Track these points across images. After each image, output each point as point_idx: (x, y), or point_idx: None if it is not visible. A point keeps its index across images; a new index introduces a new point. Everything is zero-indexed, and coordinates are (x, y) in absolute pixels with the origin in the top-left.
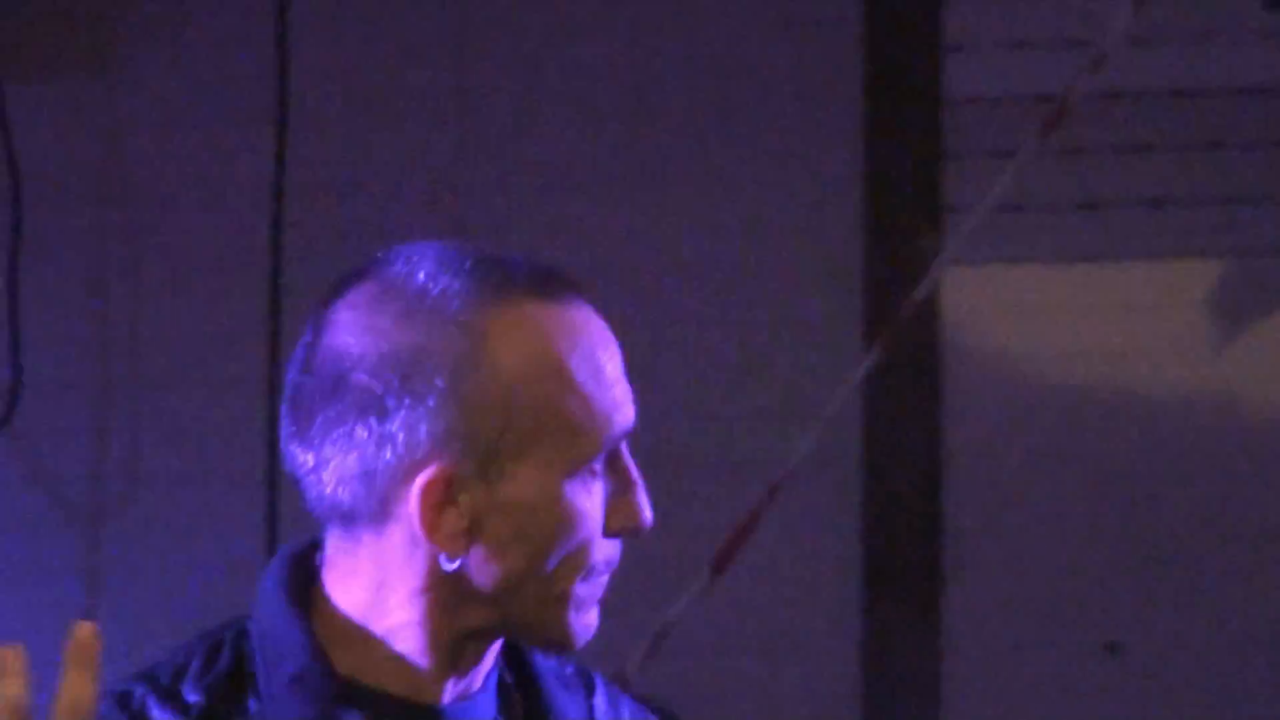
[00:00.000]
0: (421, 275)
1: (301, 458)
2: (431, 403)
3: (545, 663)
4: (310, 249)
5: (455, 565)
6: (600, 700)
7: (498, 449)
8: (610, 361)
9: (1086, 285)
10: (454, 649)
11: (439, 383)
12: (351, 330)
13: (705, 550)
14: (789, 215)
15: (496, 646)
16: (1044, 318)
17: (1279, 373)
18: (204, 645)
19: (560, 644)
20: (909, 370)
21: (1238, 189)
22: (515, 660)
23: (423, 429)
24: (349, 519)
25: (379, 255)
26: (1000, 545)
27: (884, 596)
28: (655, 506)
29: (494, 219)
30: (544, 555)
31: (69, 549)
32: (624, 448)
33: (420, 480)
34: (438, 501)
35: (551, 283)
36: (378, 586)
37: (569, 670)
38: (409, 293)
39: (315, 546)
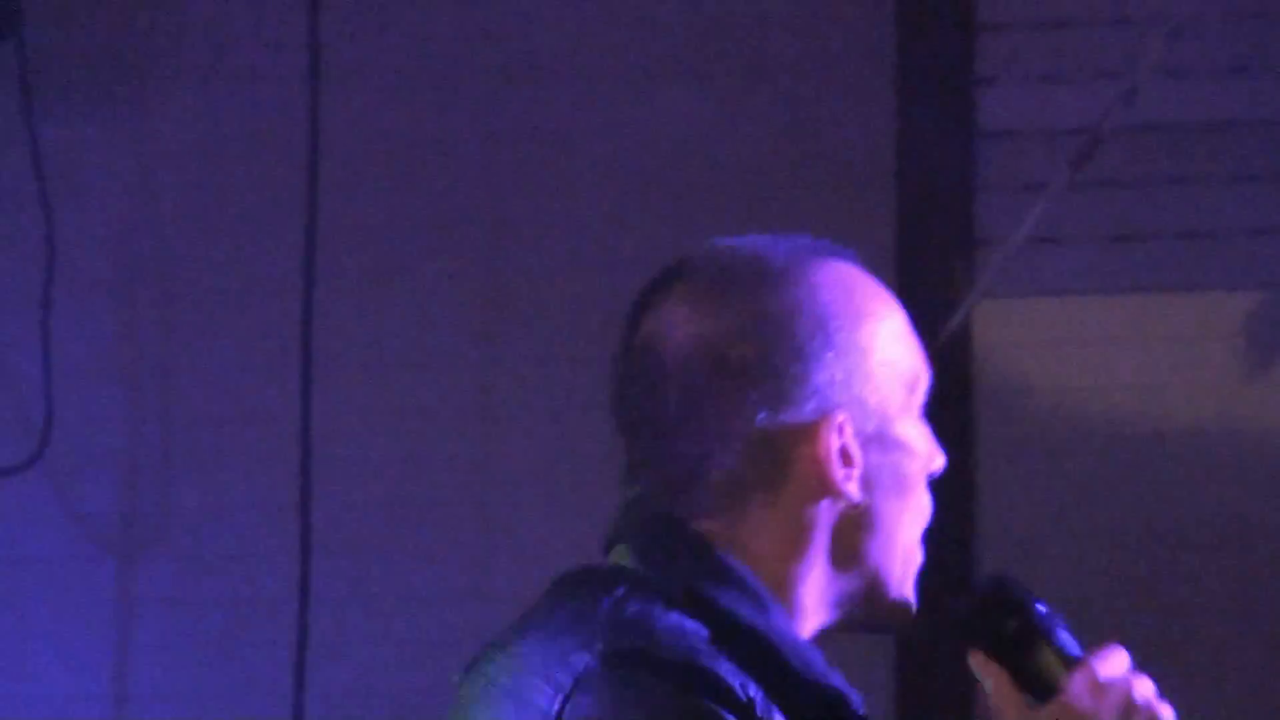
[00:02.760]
0: (746, 255)
1: (664, 452)
2: (810, 359)
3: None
4: (342, 283)
5: (859, 510)
6: None
7: (870, 394)
8: (905, 316)
9: (1120, 318)
10: (817, 621)
11: (812, 339)
12: (701, 314)
13: None
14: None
15: None
16: (1077, 351)
17: None
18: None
19: (905, 608)
20: (940, 404)
21: (1271, 221)
22: None
23: (811, 385)
24: (732, 494)
25: (677, 259)
26: (1031, 578)
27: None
28: None
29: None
30: (912, 496)
31: (100, 584)
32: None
33: (825, 436)
34: (842, 452)
35: (835, 248)
36: (765, 556)
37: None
38: (745, 269)
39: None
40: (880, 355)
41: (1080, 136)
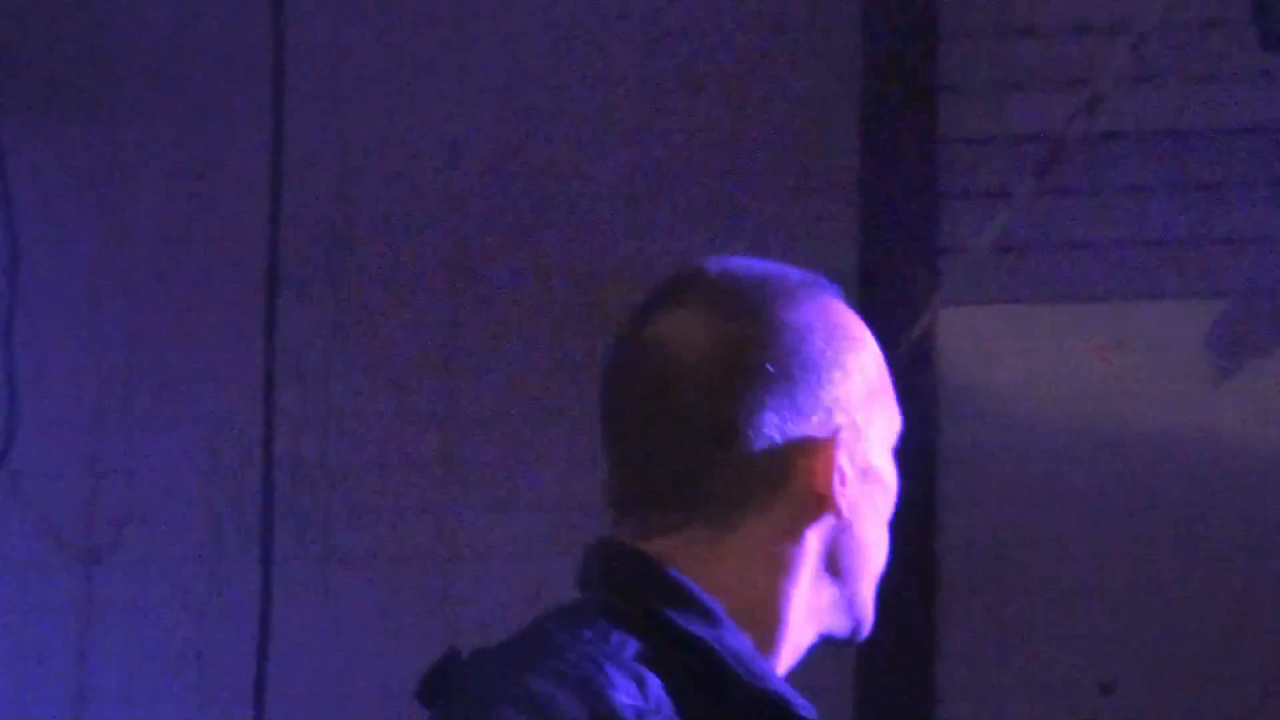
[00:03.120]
0: (760, 271)
1: (658, 462)
2: (822, 374)
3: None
4: (306, 291)
5: (846, 529)
6: None
7: (865, 416)
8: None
9: (1082, 325)
10: (798, 635)
11: (823, 356)
12: (718, 321)
13: None
14: (786, 258)
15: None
16: (1040, 357)
17: (1271, 410)
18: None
19: (863, 627)
20: (905, 408)
21: (1234, 230)
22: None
23: (819, 401)
24: (725, 506)
25: (687, 269)
26: (994, 585)
27: (880, 628)
28: None
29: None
30: (884, 520)
31: (62, 585)
32: None
33: (828, 451)
34: (825, 468)
35: (829, 284)
36: (748, 568)
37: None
38: (762, 282)
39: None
40: (872, 385)
41: (1043, 145)
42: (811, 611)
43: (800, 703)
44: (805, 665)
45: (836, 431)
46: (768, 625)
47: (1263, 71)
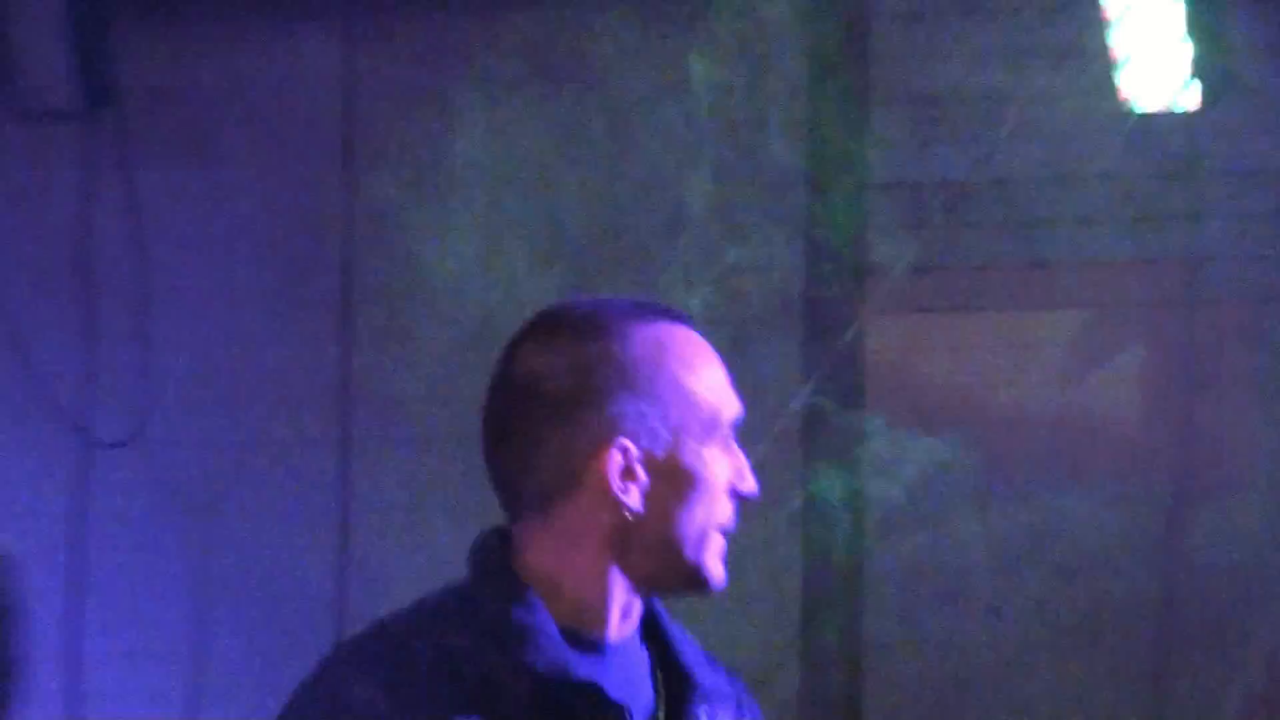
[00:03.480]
0: (580, 311)
1: (504, 463)
2: (608, 396)
3: (684, 640)
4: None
5: (638, 516)
6: (739, 690)
7: (662, 427)
8: (715, 361)
9: (981, 330)
10: (623, 596)
11: (613, 380)
12: (536, 355)
13: None
14: (749, 279)
15: (639, 607)
16: (948, 356)
17: (1129, 400)
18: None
19: (705, 584)
20: (838, 402)
21: (1099, 254)
22: (655, 634)
23: (604, 416)
24: (546, 498)
25: (540, 312)
26: (913, 553)
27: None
28: None
29: None
30: (700, 507)
31: (182, 535)
32: (733, 434)
33: (609, 455)
34: (624, 469)
35: (668, 311)
36: (568, 548)
37: (709, 656)
38: (579, 321)
39: (496, 535)
40: (677, 398)
41: (951, 188)
42: (624, 581)
43: (582, 675)
44: (745, 645)
45: (617, 439)
46: (583, 594)
47: (1124, 127)
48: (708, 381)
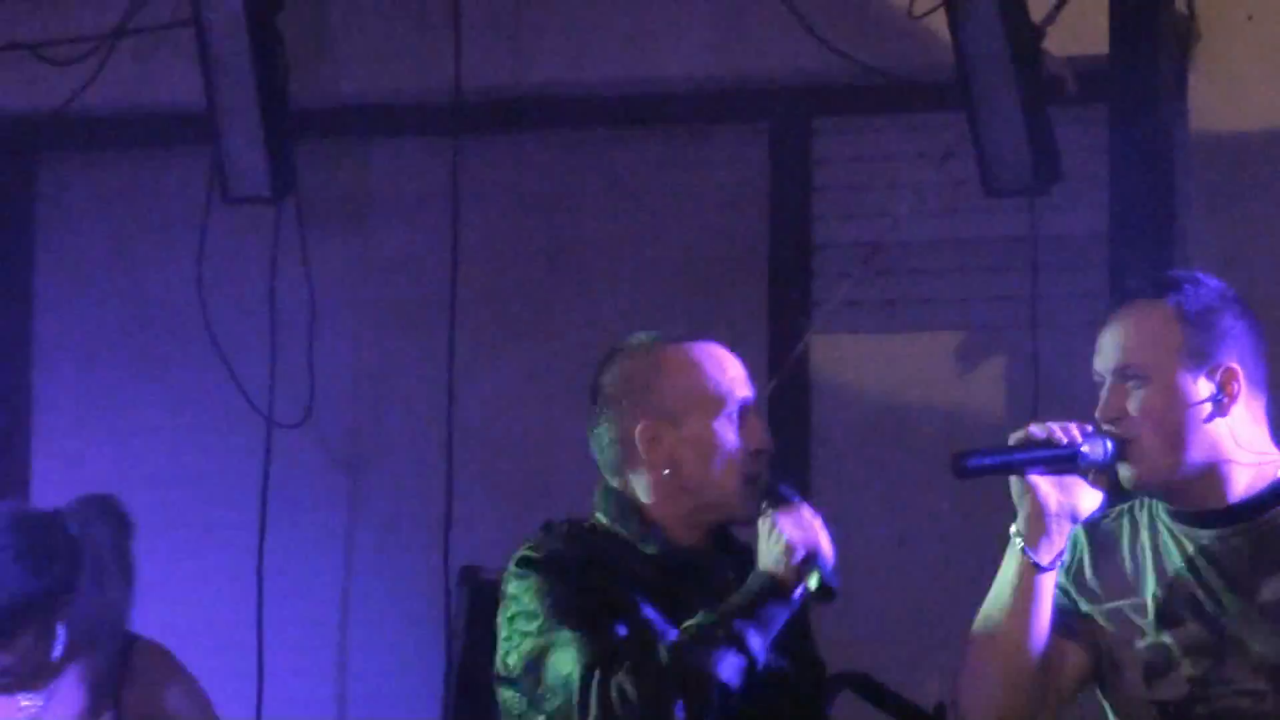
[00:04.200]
0: (633, 339)
1: (610, 432)
2: (644, 392)
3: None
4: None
5: (667, 475)
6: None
7: (676, 411)
8: (728, 365)
9: (894, 348)
10: (687, 521)
11: (644, 383)
12: (603, 370)
13: None
14: (725, 313)
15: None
16: (872, 368)
17: (997, 398)
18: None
19: (732, 511)
20: (785, 407)
21: (978, 293)
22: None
23: (640, 407)
24: (618, 462)
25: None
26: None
27: None
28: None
29: None
30: (711, 462)
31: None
32: (751, 411)
33: (639, 431)
34: (650, 436)
35: (690, 335)
36: (638, 493)
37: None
38: (629, 347)
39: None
40: (682, 395)
41: (870, 247)
42: (676, 508)
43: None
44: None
45: (641, 422)
46: (655, 516)
47: (987, 207)
48: (706, 380)
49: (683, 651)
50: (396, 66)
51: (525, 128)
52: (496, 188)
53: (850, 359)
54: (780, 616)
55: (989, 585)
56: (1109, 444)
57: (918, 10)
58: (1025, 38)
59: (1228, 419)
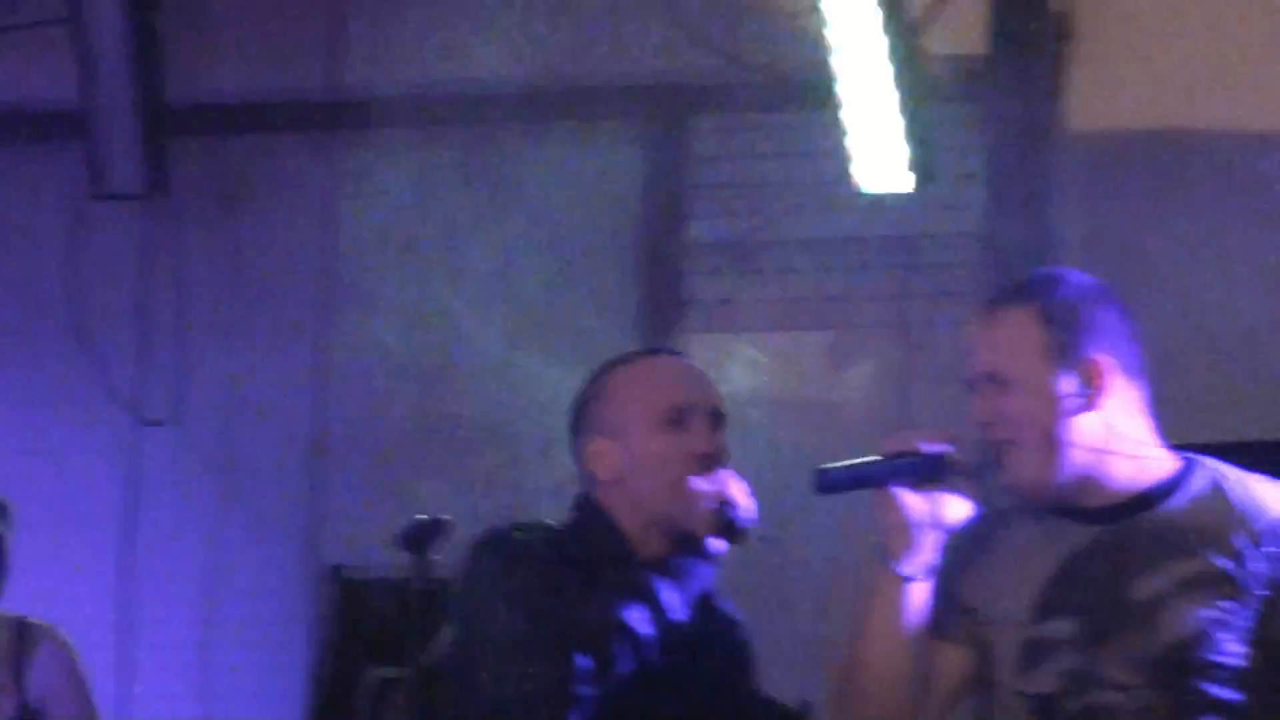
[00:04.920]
0: (601, 364)
1: (575, 453)
2: (593, 413)
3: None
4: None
5: (619, 490)
6: (744, 633)
7: (618, 426)
8: (672, 375)
9: (768, 347)
10: (648, 534)
11: (593, 405)
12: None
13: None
14: (598, 311)
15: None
16: (745, 367)
17: (870, 396)
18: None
19: (682, 522)
20: None
21: (853, 291)
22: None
23: (594, 424)
24: (583, 472)
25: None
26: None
27: None
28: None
29: None
30: (658, 474)
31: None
32: (694, 416)
33: (594, 447)
34: (597, 452)
35: (645, 352)
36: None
37: (725, 604)
38: (591, 374)
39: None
40: (628, 411)
41: (742, 245)
42: (635, 520)
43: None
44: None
45: (594, 439)
46: (621, 529)
47: (863, 206)
48: (653, 394)
49: (589, 603)
50: (272, 65)
51: (401, 125)
52: (372, 185)
53: (723, 357)
54: (696, 568)
55: (855, 587)
56: (976, 451)
57: (794, 9)
58: (903, 37)
59: (1101, 413)
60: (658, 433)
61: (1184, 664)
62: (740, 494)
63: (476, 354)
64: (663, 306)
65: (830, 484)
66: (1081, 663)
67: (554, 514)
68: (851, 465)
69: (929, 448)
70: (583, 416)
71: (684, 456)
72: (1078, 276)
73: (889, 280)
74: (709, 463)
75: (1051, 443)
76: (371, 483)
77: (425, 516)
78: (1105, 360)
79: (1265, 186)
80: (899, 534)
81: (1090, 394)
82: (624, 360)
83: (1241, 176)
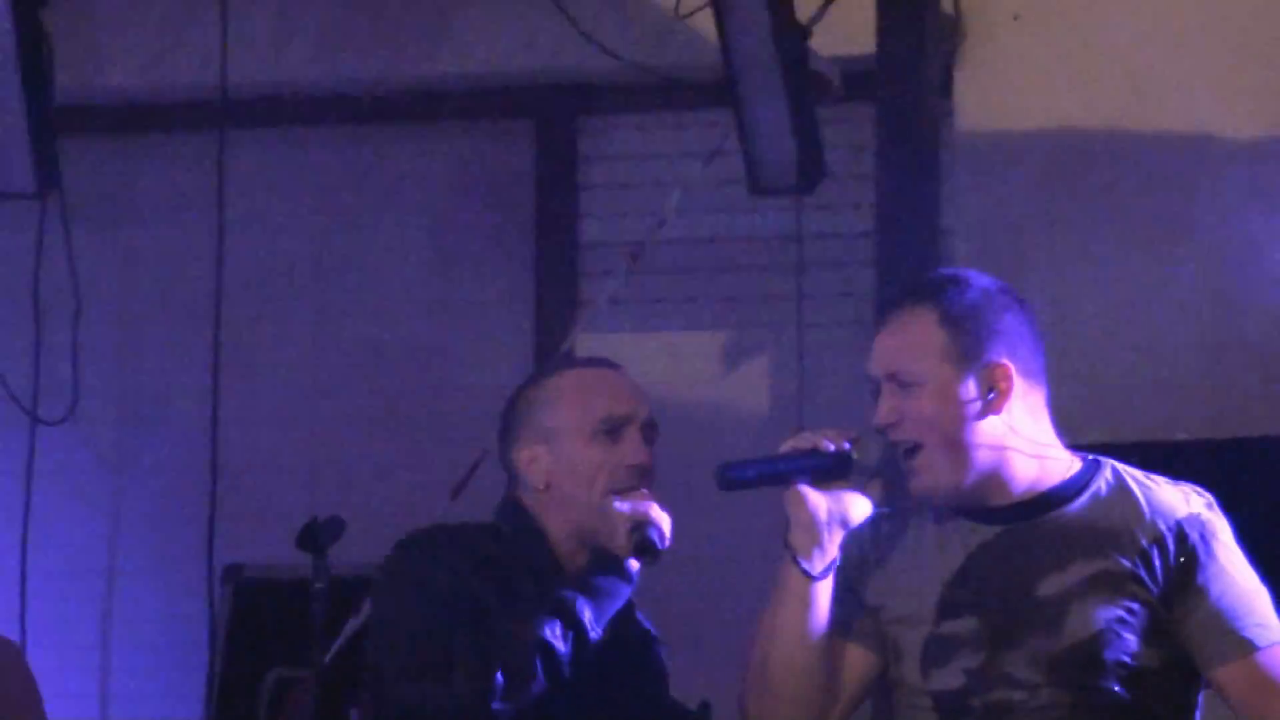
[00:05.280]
0: (533, 372)
1: (505, 456)
2: (527, 418)
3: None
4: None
5: (546, 495)
6: (661, 650)
7: (551, 433)
8: (607, 385)
9: (660, 347)
10: (571, 541)
11: (527, 410)
12: (510, 400)
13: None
14: (492, 311)
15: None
16: (639, 367)
17: (763, 395)
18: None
19: (605, 535)
20: None
21: (745, 291)
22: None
23: (522, 433)
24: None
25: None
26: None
27: None
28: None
29: None
30: (585, 481)
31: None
32: (627, 427)
33: (521, 454)
34: (529, 457)
35: (583, 361)
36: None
37: (644, 620)
38: (525, 379)
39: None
40: (562, 418)
41: (635, 245)
42: (560, 529)
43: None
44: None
45: (527, 444)
46: (546, 535)
47: (754, 206)
48: (587, 403)
49: (507, 620)
50: (162, 62)
51: (291, 123)
52: (263, 184)
53: (617, 357)
54: (615, 588)
55: (749, 586)
56: (878, 450)
57: (684, 9)
58: (792, 37)
59: (1004, 416)
60: (591, 442)
61: (1087, 663)
62: (659, 516)
63: (373, 355)
64: (556, 307)
65: (734, 480)
66: (984, 660)
67: (452, 514)
68: (756, 460)
69: (831, 445)
70: (515, 421)
71: (615, 467)
72: (980, 278)
73: (782, 280)
74: (640, 474)
75: (955, 446)
76: (269, 481)
77: (322, 516)
78: (1008, 364)
79: (1156, 185)
80: (806, 532)
81: (993, 399)
82: (559, 367)
83: (1132, 176)
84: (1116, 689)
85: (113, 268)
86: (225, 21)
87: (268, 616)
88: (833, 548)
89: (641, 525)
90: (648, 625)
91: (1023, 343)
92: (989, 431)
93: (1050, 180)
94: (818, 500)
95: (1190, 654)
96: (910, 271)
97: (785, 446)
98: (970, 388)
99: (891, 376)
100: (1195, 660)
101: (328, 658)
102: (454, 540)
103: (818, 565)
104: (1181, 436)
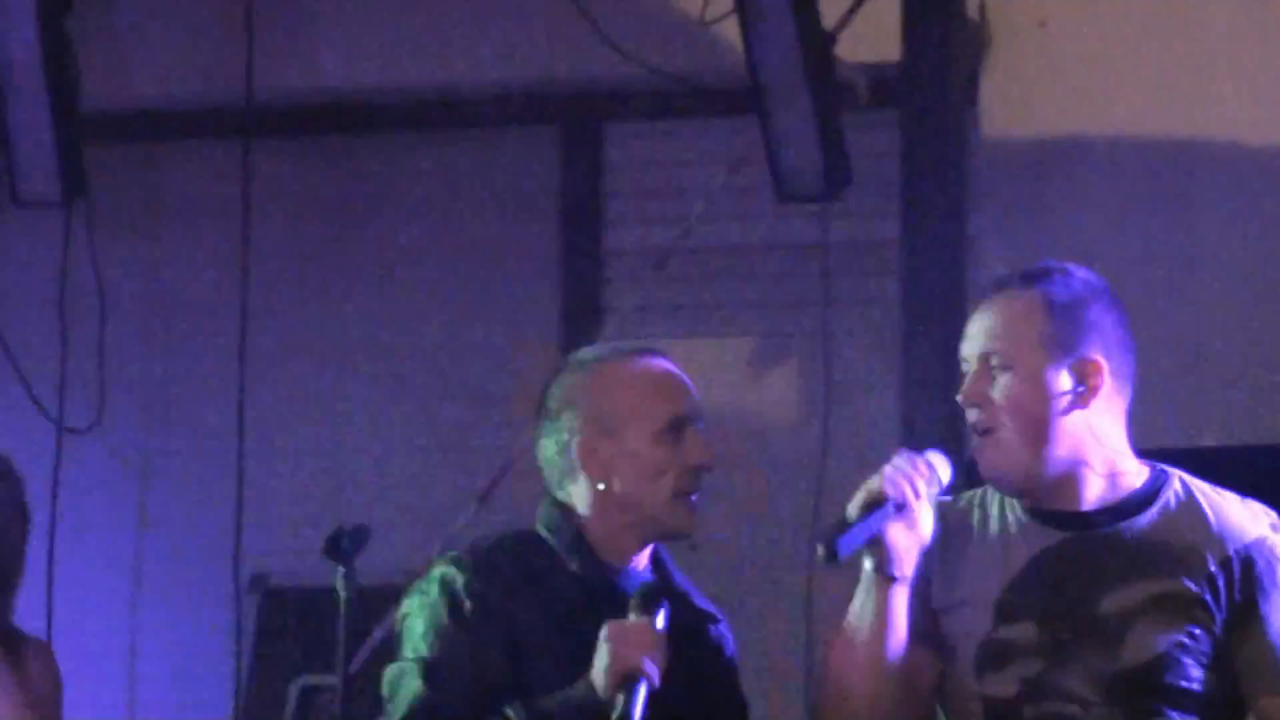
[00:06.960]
0: (577, 355)
1: (552, 444)
2: (584, 406)
3: (685, 582)
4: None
5: (603, 488)
6: (722, 628)
7: (614, 425)
8: (670, 380)
9: (686, 354)
10: (621, 536)
11: (584, 397)
12: (555, 382)
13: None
14: (517, 319)
15: (649, 547)
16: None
17: (790, 402)
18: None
19: (668, 525)
20: None
21: (762, 301)
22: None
23: (575, 424)
24: (556, 479)
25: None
26: None
27: None
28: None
29: None
30: (647, 475)
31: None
32: (691, 427)
33: (580, 446)
34: (588, 448)
35: (636, 350)
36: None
37: (701, 600)
38: (571, 363)
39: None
40: (619, 410)
41: (661, 253)
42: (610, 522)
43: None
44: None
45: (580, 439)
46: (589, 530)
47: (779, 213)
48: (643, 395)
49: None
50: (188, 70)
51: (317, 132)
52: (288, 192)
53: None
54: (640, 580)
55: (776, 591)
56: (952, 460)
57: (710, 16)
58: (817, 44)
59: (1087, 412)
60: (658, 442)
61: (1145, 686)
62: (651, 669)
63: (399, 362)
64: (582, 314)
65: (845, 554)
66: (1042, 671)
67: (477, 522)
68: (856, 525)
69: (911, 485)
70: (567, 409)
71: (681, 468)
72: (1085, 272)
73: (807, 287)
74: (700, 475)
75: (1034, 434)
76: (296, 489)
77: (348, 524)
78: (1101, 361)
79: (1184, 193)
80: (888, 561)
81: (1083, 393)
82: (613, 355)
83: (1158, 182)
84: (1173, 715)
85: (139, 275)
86: (251, 29)
87: (294, 625)
88: (912, 563)
89: (629, 683)
90: (704, 605)
91: (1119, 344)
92: (1069, 427)
93: (1075, 187)
94: (896, 535)
95: (1237, 679)
96: (935, 279)
97: (865, 495)
98: (1062, 378)
99: (985, 356)
100: (1240, 685)
101: (354, 666)
102: (493, 566)
103: (900, 572)
104: (1209, 443)
